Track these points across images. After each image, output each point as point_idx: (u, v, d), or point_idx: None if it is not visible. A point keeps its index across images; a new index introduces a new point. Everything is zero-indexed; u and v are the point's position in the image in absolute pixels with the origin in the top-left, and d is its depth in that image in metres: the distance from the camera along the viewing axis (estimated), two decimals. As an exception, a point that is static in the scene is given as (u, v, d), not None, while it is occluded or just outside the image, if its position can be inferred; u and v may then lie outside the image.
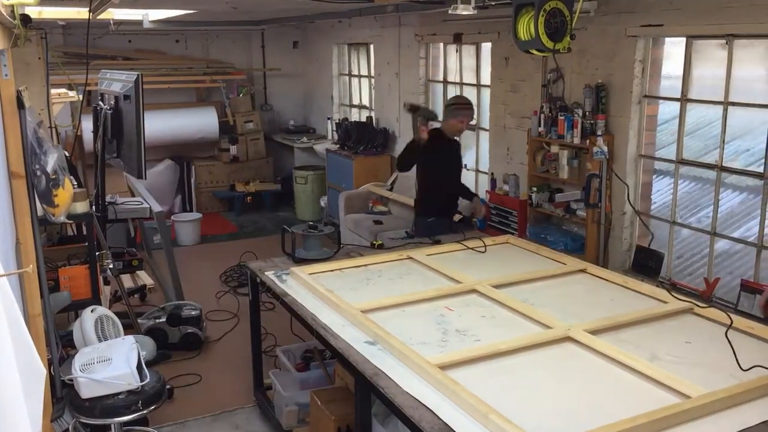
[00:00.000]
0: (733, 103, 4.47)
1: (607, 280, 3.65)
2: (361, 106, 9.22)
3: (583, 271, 3.79)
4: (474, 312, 3.27)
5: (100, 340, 3.49)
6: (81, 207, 3.85)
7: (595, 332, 2.93)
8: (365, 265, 3.96)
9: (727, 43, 4.40)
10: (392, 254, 4.11)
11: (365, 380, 2.68)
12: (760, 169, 4.38)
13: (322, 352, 3.97)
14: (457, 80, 7.18)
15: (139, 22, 7.53)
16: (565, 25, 3.71)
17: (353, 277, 3.82)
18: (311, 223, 4.19)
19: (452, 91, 7.32)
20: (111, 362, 3.19)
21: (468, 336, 2.99)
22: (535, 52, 3.82)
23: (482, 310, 3.29)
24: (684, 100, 4.79)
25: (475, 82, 6.91)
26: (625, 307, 3.25)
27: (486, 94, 6.66)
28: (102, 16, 5.96)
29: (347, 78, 9.50)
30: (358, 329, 3.05)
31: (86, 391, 3.15)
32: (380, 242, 4.36)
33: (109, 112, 4.64)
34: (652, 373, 2.55)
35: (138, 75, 4.39)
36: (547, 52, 3.76)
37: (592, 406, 2.42)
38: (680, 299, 3.31)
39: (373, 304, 3.30)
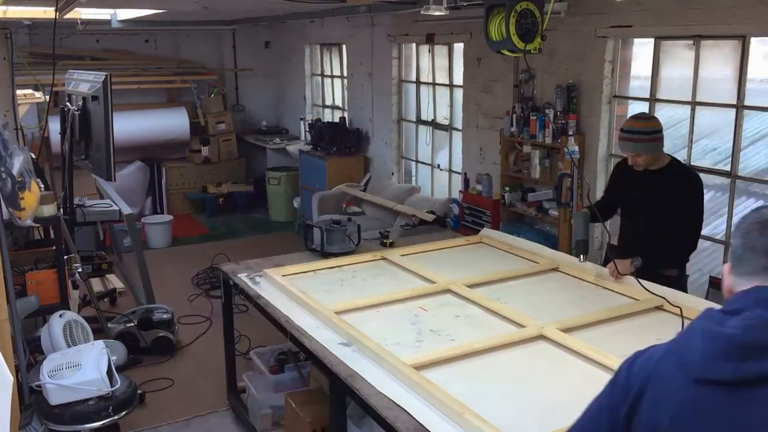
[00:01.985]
0: (701, 103, 4.55)
1: (579, 278, 3.67)
2: (334, 107, 9.20)
3: (555, 269, 3.81)
4: (448, 312, 3.27)
5: (68, 346, 3.42)
6: (48, 210, 3.77)
7: (567, 330, 2.95)
8: (339, 266, 3.95)
9: (694, 43, 4.47)
10: (366, 255, 4.10)
11: (340, 382, 2.67)
12: (727, 168, 4.46)
13: (297, 354, 3.95)
14: (430, 80, 7.20)
15: (107, 22, 7.42)
16: (536, 26, 3.74)
17: (327, 278, 3.81)
18: (333, 218, 4.30)
19: (425, 92, 7.34)
20: (80, 368, 3.13)
21: (442, 336, 3.00)
22: (506, 52, 3.85)
23: (456, 310, 3.29)
24: (653, 100, 4.87)
25: (447, 82, 6.94)
26: (597, 305, 3.28)
27: (458, 94, 6.69)
28: (69, 16, 5.85)
29: (320, 78, 9.47)
30: (333, 331, 3.04)
31: (55, 398, 3.09)
32: (391, 240, 4.40)
33: (77, 113, 4.56)
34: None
35: (106, 75, 4.32)
36: (518, 53, 3.78)
37: (566, 403, 2.42)
38: (652, 294, 3.33)
39: (347, 306, 3.28)
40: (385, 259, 4.04)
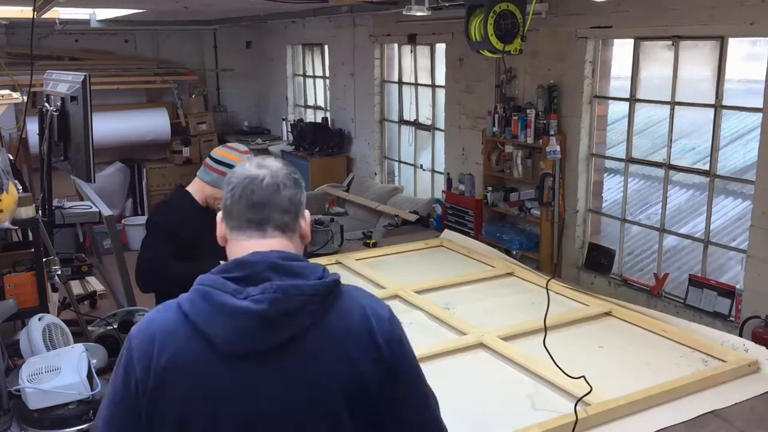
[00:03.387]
0: (680, 103, 4.60)
1: (533, 283, 3.59)
2: (316, 107, 9.18)
3: (510, 274, 3.74)
4: None
5: (48, 349, 3.37)
6: (26, 212, 3.72)
7: (509, 338, 2.90)
8: None
9: (673, 44, 4.52)
10: (321, 259, 3.96)
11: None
12: (706, 167, 4.52)
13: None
14: (412, 81, 7.21)
15: (86, 22, 7.34)
16: (517, 27, 3.75)
17: None
18: (317, 218, 4.24)
19: (407, 92, 7.35)
20: (60, 372, 3.09)
21: None
22: (486, 53, 3.86)
23: (401, 317, 3.21)
24: (633, 100, 4.91)
25: (429, 82, 6.95)
26: (544, 312, 3.23)
27: (441, 94, 6.71)
28: (47, 15, 5.78)
29: (302, 78, 9.45)
30: None
31: (34, 402, 3.05)
32: (374, 240, 4.37)
33: (56, 113, 4.50)
34: (556, 380, 2.51)
35: (85, 76, 4.26)
36: (498, 54, 3.80)
37: (495, 413, 2.39)
38: (603, 299, 3.31)
39: None
40: (339, 263, 3.94)
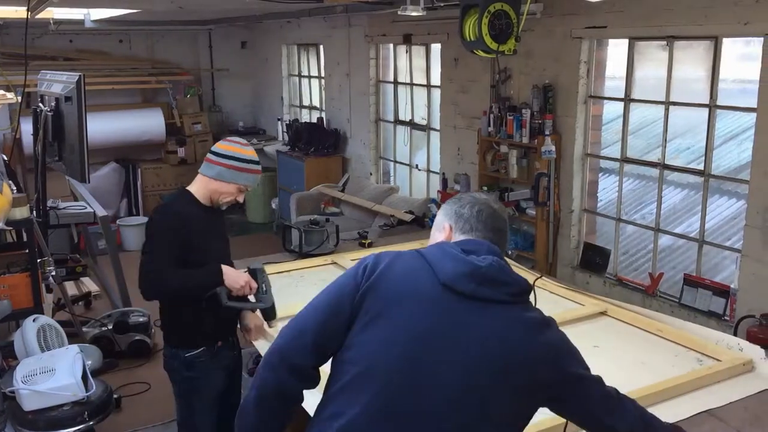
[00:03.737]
0: (674, 103, 4.61)
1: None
2: (311, 107, 9.17)
3: None
4: None
5: (42, 351, 3.37)
6: (20, 213, 3.71)
7: None
8: (287, 271, 3.86)
9: (667, 44, 4.53)
10: (317, 259, 4.00)
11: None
12: (701, 167, 4.53)
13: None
14: (408, 81, 7.22)
15: (81, 22, 7.33)
16: (511, 28, 3.75)
17: (274, 282, 3.67)
18: (312, 218, 4.26)
19: (403, 92, 7.36)
20: (54, 373, 3.08)
21: None
22: (480, 53, 3.86)
23: None
24: (627, 100, 4.92)
25: (425, 82, 6.95)
26: (541, 310, 3.23)
27: (436, 94, 6.71)
28: (41, 15, 5.76)
29: (297, 79, 9.44)
30: (263, 340, 2.93)
31: (29, 404, 3.04)
32: (369, 241, 4.37)
33: (50, 114, 4.49)
34: None
35: (80, 76, 4.26)
36: (492, 54, 3.80)
37: None
38: (598, 299, 3.31)
39: (289, 311, 2.97)
40: (335, 263, 3.94)
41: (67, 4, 5.90)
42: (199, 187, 2.83)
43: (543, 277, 3.68)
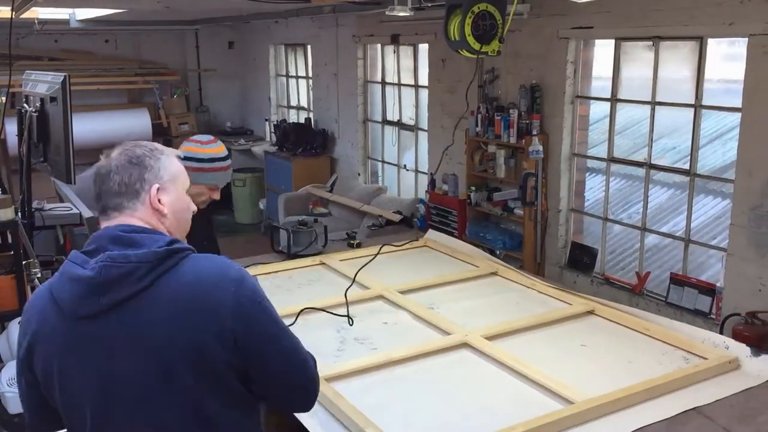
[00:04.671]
0: (660, 103, 4.64)
1: (517, 282, 3.59)
2: (299, 108, 9.15)
3: (494, 273, 3.72)
4: (377, 319, 3.16)
5: (28, 353, 3.33)
6: (5, 214, 3.68)
7: (492, 338, 2.89)
8: (275, 272, 3.84)
9: (653, 45, 4.56)
10: (305, 260, 3.95)
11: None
12: (686, 166, 4.57)
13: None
14: (395, 81, 7.22)
15: (66, 22, 7.27)
16: (495, 29, 3.76)
17: (261, 283, 3.65)
18: (300, 219, 4.23)
19: (390, 92, 7.36)
20: (40, 376, 3.05)
21: (365, 344, 2.89)
22: (464, 52, 3.87)
23: (385, 317, 3.19)
24: (614, 100, 4.95)
25: (413, 82, 6.96)
26: (528, 310, 3.22)
27: (424, 95, 6.72)
28: (26, 15, 5.71)
29: (285, 79, 9.42)
30: None
31: (15, 407, 3.01)
32: (358, 241, 4.35)
33: (35, 114, 4.45)
34: (540, 379, 2.52)
35: (65, 76, 4.22)
36: (474, 54, 3.80)
37: (478, 414, 2.38)
38: (586, 298, 3.31)
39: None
40: (323, 264, 3.90)
41: (52, 4, 5.85)
42: None
43: (530, 277, 3.69)
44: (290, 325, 3.01)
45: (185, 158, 2.67)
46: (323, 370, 2.51)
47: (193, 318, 1.46)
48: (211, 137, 2.90)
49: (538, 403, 2.41)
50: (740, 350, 2.75)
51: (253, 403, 1.60)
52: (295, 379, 1.61)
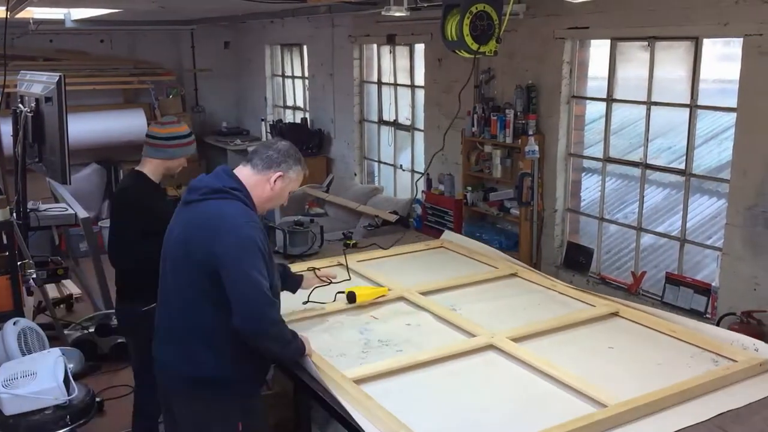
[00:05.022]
0: (656, 103, 4.65)
1: (537, 284, 3.57)
2: (295, 107, 9.15)
3: (514, 275, 3.70)
4: (399, 320, 3.15)
5: (23, 354, 3.33)
6: (0, 215, 3.66)
7: (518, 339, 2.87)
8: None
9: (649, 45, 4.57)
10: (323, 260, 3.92)
11: (304, 385, 2.64)
12: (682, 166, 4.58)
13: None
14: (391, 81, 7.22)
15: (61, 22, 7.24)
16: (492, 29, 3.75)
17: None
18: (296, 220, 4.25)
19: (387, 92, 7.36)
20: (36, 376, 3.04)
21: (390, 346, 2.88)
22: (462, 53, 3.86)
23: (408, 318, 3.18)
24: (609, 100, 4.96)
25: (409, 83, 6.96)
26: (551, 312, 3.20)
27: (420, 95, 6.72)
28: (21, 15, 5.69)
29: (281, 79, 9.41)
30: None
31: (10, 408, 3.00)
32: (355, 241, 4.33)
33: (30, 115, 4.43)
34: (570, 381, 2.51)
35: (60, 76, 4.21)
36: (472, 54, 3.80)
37: (508, 416, 2.37)
38: (608, 299, 3.28)
39: (295, 316, 3.11)
40: (341, 264, 3.84)
41: (47, 4, 5.83)
42: (154, 169, 3.33)
43: (550, 278, 3.67)
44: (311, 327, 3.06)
45: (147, 135, 3.32)
46: (349, 372, 2.56)
47: (201, 234, 2.37)
48: (173, 118, 3.55)
49: (569, 406, 2.38)
50: None
51: (221, 303, 2.32)
52: (240, 294, 2.31)
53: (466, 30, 3.68)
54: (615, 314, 3.16)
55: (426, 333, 3.02)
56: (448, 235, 4.45)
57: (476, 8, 3.69)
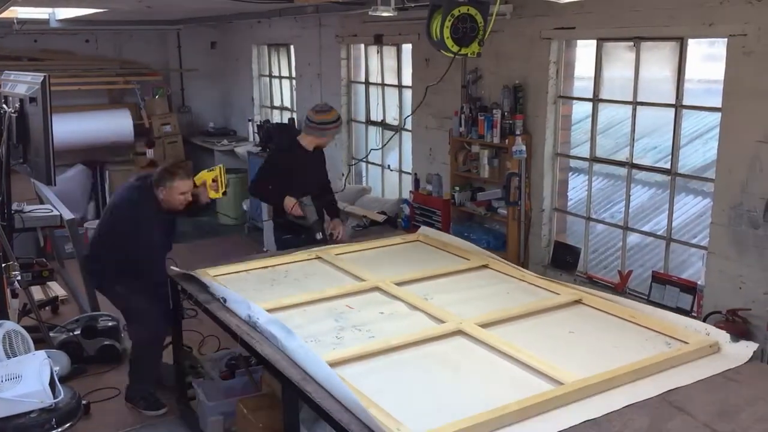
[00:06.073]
0: (641, 103, 4.68)
1: (506, 274, 3.75)
2: (282, 108, 9.12)
3: (485, 266, 3.86)
4: (373, 309, 3.30)
5: (8, 357, 3.30)
6: (-16, 216, 3.63)
7: (485, 325, 3.02)
8: (272, 266, 3.91)
9: (634, 45, 4.60)
10: (301, 254, 4.08)
11: (293, 386, 2.64)
12: (667, 166, 4.61)
13: (248, 359, 3.90)
14: (379, 81, 7.22)
15: (46, 21, 7.18)
16: (476, 31, 3.78)
17: (258, 278, 3.78)
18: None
19: (374, 92, 7.36)
20: (21, 379, 3.02)
21: (363, 332, 3.03)
22: (446, 52, 3.89)
23: (381, 307, 3.33)
24: (596, 100, 4.99)
25: (396, 83, 6.96)
26: (518, 300, 3.36)
27: (407, 94, 6.72)
28: (5, 15, 5.64)
29: (268, 79, 9.38)
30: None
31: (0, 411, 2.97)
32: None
33: (14, 115, 4.40)
34: (532, 362, 2.67)
35: (45, 76, 4.19)
36: (453, 55, 3.84)
37: (474, 395, 2.51)
38: (573, 288, 3.46)
39: (272, 305, 3.26)
40: (319, 258, 4.02)
41: (31, 4, 5.79)
42: (309, 141, 4.69)
43: (520, 269, 3.74)
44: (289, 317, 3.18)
45: (306, 118, 4.70)
46: (324, 356, 2.67)
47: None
48: (327, 107, 4.74)
49: (531, 385, 2.54)
50: (720, 336, 2.88)
51: None
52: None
53: (447, 33, 3.71)
54: (578, 302, 3.33)
55: (398, 320, 3.17)
56: (424, 229, 4.58)
57: (459, 11, 3.71)
